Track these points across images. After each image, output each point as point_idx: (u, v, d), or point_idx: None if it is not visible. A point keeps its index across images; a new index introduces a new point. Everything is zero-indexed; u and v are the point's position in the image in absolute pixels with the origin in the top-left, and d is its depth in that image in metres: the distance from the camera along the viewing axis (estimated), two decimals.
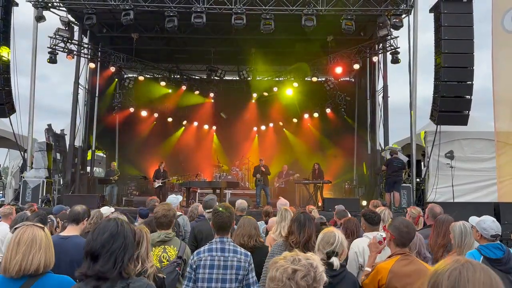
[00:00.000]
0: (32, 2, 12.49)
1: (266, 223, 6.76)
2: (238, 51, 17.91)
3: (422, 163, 13.63)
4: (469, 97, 11.85)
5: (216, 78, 18.74)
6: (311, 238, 3.61)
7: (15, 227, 2.53)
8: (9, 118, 12.55)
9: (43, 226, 2.49)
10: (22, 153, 13.34)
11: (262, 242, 4.46)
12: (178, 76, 18.88)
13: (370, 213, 4.58)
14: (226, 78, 19.34)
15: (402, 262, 3.12)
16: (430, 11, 12.52)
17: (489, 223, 3.74)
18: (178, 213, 5.72)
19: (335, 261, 2.98)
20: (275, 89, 18.65)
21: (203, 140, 20.50)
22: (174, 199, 6.65)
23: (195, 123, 20.43)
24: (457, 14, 11.82)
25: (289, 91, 18.56)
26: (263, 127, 20.53)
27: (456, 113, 11.99)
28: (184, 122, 20.35)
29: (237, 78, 19.36)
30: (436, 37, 12.16)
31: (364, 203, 12.72)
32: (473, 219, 3.95)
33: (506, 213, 9.68)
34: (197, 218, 6.42)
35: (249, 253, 3.48)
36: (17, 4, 12.74)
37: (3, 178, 16.25)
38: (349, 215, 6.11)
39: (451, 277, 1.34)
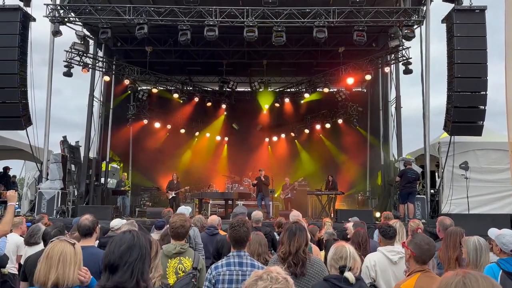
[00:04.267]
0: (49, 17, 12.79)
1: (279, 235, 6.74)
2: (250, 63, 18.08)
3: (437, 174, 13.48)
4: (483, 107, 11.75)
5: (228, 89, 18.90)
6: (301, 248, 3.58)
7: (50, 240, 2.61)
8: (26, 130, 12.78)
9: (73, 242, 2.57)
10: (38, 164, 13.55)
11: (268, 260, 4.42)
12: (191, 88, 19.07)
13: (385, 226, 4.51)
14: (238, 89, 19.49)
15: (425, 280, 3.07)
16: (442, 21, 12.50)
17: (508, 238, 3.65)
18: None
19: (350, 276, 2.96)
20: (286, 100, 18.73)
21: (215, 151, 20.59)
22: (185, 210, 6.71)
23: (208, 134, 20.55)
24: (469, 24, 11.78)
25: (301, 102, 18.64)
26: (275, 138, 20.56)
27: (470, 123, 11.89)
28: (197, 134, 20.48)
29: (249, 89, 19.49)
30: (449, 47, 12.12)
31: (378, 214, 12.60)
32: (492, 232, 3.85)
33: None
34: (207, 229, 6.45)
35: (266, 267, 3.47)
36: (34, 19, 13.03)
37: (19, 189, 16.49)
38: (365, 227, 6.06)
39: None
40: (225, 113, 19.99)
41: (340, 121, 18.15)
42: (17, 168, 16.51)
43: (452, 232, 4.22)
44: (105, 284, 2.13)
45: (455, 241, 4.09)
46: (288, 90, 19.18)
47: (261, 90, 18.78)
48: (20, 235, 6.02)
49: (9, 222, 4.39)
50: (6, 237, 4.99)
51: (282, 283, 1.64)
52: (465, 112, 11.77)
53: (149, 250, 2.28)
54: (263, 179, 14.36)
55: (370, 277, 4.04)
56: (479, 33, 11.71)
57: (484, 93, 11.68)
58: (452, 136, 12.08)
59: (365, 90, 19.45)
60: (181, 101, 18.71)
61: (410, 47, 13.46)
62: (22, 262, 5.35)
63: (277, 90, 19.32)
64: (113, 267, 2.14)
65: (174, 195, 15.19)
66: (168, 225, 6.43)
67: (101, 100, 16.53)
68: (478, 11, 11.84)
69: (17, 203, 15.48)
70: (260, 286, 1.63)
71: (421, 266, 3.18)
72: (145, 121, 18.45)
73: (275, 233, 6.85)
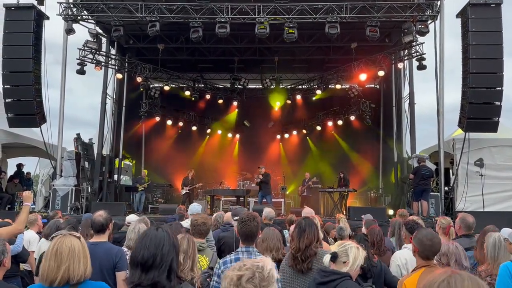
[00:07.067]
0: (63, 16, 12.91)
1: None
2: (262, 60, 18.03)
3: (451, 171, 13.31)
4: (499, 103, 11.54)
5: (240, 86, 18.89)
6: (312, 244, 3.51)
7: (52, 235, 2.59)
8: (40, 127, 12.93)
9: (79, 235, 2.54)
10: (52, 161, 13.70)
11: (285, 254, 4.39)
12: (202, 85, 19.08)
13: (413, 223, 4.41)
14: (250, 86, 19.46)
15: (428, 274, 3.02)
16: (457, 16, 12.29)
17: None
18: None
19: (325, 258, 3.00)
20: (298, 97, 18.64)
21: (226, 148, 20.62)
22: (198, 206, 6.71)
23: (219, 132, 20.58)
24: (485, 19, 11.56)
25: (313, 99, 18.53)
26: (286, 135, 20.50)
27: (485, 119, 11.68)
28: (208, 131, 20.52)
29: (261, 86, 19.46)
30: (464, 42, 11.91)
31: (391, 212, 12.49)
32: (506, 231, 3.79)
33: None
34: (222, 226, 6.34)
35: (274, 264, 3.43)
36: (48, 18, 13.15)
37: (34, 186, 16.70)
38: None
39: None
40: (237, 110, 20.00)
41: (352, 117, 18.00)
42: (31, 165, 16.72)
43: (485, 230, 4.12)
44: (141, 281, 2.06)
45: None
46: (300, 87, 19.08)
47: (272, 87, 18.71)
48: (38, 232, 6.11)
49: (24, 222, 4.45)
50: (23, 233, 5.06)
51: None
52: (480, 108, 11.56)
53: (178, 247, 2.27)
54: (261, 177, 14.32)
55: (401, 276, 3.92)
56: (494, 27, 11.48)
57: (500, 88, 11.47)
58: (467, 133, 11.90)
59: (377, 87, 19.25)
60: (193, 99, 18.74)
61: (424, 43, 13.28)
62: (36, 256, 5.42)
63: (289, 87, 19.24)
64: (148, 264, 2.09)
65: (187, 191, 15.24)
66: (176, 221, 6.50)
67: (114, 97, 16.65)
68: (493, 5, 11.60)
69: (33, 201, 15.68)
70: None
71: (426, 262, 3.17)
72: (157, 119, 18.54)
73: (286, 231, 6.82)
